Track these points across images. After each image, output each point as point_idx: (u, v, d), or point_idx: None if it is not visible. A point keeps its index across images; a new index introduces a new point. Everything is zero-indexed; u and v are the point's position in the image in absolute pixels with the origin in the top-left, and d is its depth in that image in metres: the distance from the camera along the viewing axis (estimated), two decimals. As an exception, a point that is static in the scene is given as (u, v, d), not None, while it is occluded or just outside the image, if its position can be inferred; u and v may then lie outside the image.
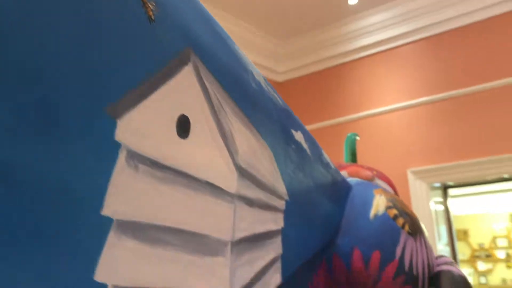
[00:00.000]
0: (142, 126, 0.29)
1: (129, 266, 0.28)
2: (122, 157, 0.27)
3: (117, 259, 0.27)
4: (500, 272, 6.89)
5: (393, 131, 3.22)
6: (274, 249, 0.45)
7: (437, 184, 3.21)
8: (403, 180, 3.04)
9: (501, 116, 2.88)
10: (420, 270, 0.66)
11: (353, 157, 1.15)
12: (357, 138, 1.23)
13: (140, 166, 0.29)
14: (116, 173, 0.27)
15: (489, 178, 3.09)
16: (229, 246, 0.38)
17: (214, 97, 0.37)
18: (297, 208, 0.51)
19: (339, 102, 3.48)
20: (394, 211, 0.69)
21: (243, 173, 0.41)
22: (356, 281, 0.63)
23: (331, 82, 3.57)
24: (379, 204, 0.69)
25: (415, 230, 0.69)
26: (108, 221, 0.27)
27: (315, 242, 0.57)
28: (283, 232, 0.48)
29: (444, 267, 0.71)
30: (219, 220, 0.37)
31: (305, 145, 0.56)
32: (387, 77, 3.34)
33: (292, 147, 0.52)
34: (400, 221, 0.68)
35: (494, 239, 7.06)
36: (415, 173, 3.09)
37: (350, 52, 3.49)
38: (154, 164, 0.30)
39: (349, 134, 1.21)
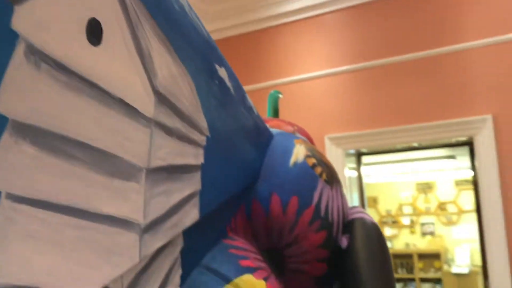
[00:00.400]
0: (46, 19, 0.25)
1: (27, 174, 0.25)
2: (20, 49, 0.24)
3: (12, 165, 0.24)
4: (404, 237, 7.41)
5: (314, 98, 3.29)
6: (193, 184, 0.44)
7: (352, 151, 3.35)
8: (320, 145, 3.14)
9: (413, 88, 3.03)
10: (335, 217, 0.68)
11: (275, 113, 1.16)
12: (280, 95, 1.24)
13: (43, 65, 0.25)
14: (13, 66, 0.24)
15: (400, 146, 3.27)
16: (143, 173, 0.35)
17: (132, 9, 0.33)
18: (218, 147, 0.50)
19: (264, 67, 3.49)
20: (313, 160, 0.70)
21: (162, 99, 0.38)
22: (274, 225, 0.64)
23: (256, 46, 3.56)
24: (299, 152, 0.69)
25: (332, 179, 0.71)
26: (2, 120, 0.23)
27: (235, 184, 0.56)
28: (203, 169, 0.46)
29: (357, 215, 0.73)
30: (133, 143, 0.34)
31: (229, 83, 0.54)
32: (311, 44, 3.38)
33: (215, 82, 0.50)
34: (318, 169, 0.69)
35: (400, 207, 7.55)
36: (331, 139, 3.19)
37: (276, 16, 3.48)
38: (60, 67, 0.26)
39: (272, 91, 1.22)
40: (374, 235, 0.70)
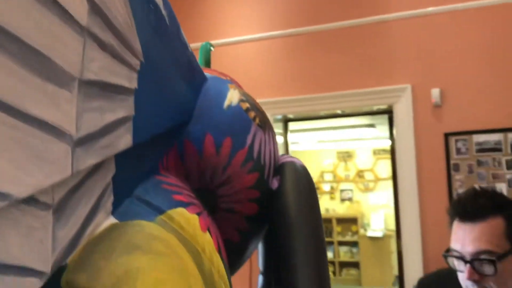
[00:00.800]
0: None
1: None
2: None
3: None
4: (324, 203, 7.72)
5: (243, 62, 3.28)
6: (126, 107, 0.42)
7: (279, 117, 3.40)
8: (249, 109, 3.15)
9: (339, 56, 3.11)
10: (267, 160, 0.69)
11: (207, 65, 1.14)
12: (212, 48, 1.23)
13: None
14: None
15: (324, 113, 3.36)
16: (76, 83, 0.33)
17: None
18: (152, 75, 0.48)
19: (193, 28, 3.41)
20: (247, 105, 0.70)
21: (95, 8, 0.36)
22: (207, 165, 0.64)
23: (185, 6, 3.47)
24: (233, 96, 0.69)
25: (265, 124, 0.72)
26: None
27: (168, 118, 0.55)
28: (136, 94, 0.44)
29: (288, 159, 0.75)
30: (66, 49, 0.32)
31: (164, 12, 0.52)
32: (240, 7, 3.35)
33: (150, 7, 0.48)
34: (252, 114, 0.70)
35: (322, 174, 7.84)
36: (260, 104, 3.21)
37: (206, -24, 3.40)
38: None
39: (203, 43, 1.20)
40: (304, 177, 0.72)
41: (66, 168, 0.32)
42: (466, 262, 1.11)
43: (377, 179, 7.50)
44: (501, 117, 2.76)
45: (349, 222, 7.26)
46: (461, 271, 1.13)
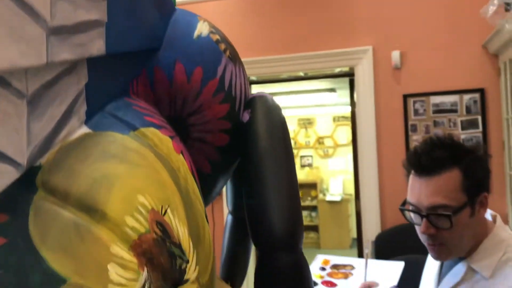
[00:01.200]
0: None
1: None
2: None
3: None
4: (285, 169, 7.79)
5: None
6: (99, 10, 0.40)
7: (242, 78, 3.38)
8: (211, 70, 3.11)
9: (301, 18, 3.10)
10: (238, 92, 0.68)
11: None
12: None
13: None
14: None
15: (286, 75, 3.37)
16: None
17: None
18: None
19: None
20: (217, 36, 0.69)
21: None
22: (177, 93, 0.62)
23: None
24: (202, 27, 0.68)
25: (235, 57, 0.71)
26: None
27: (139, 37, 0.53)
28: (109, 4, 0.43)
29: (259, 94, 0.74)
30: None
31: None
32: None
33: None
34: (222, 46, 0.69)
35: (282, 141, 7.89)
36: (223, 65, 3.18)
37: None
38: None
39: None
40: (275, 109, 0.72)
41: (41, 54, 0.31)
42: (422, 216, 1.10)
43: (336, 146, 7.63)
44: (457, 79, 2.84)
45: (309, 187, 7.39)
46: (418, 224, 1.13)
